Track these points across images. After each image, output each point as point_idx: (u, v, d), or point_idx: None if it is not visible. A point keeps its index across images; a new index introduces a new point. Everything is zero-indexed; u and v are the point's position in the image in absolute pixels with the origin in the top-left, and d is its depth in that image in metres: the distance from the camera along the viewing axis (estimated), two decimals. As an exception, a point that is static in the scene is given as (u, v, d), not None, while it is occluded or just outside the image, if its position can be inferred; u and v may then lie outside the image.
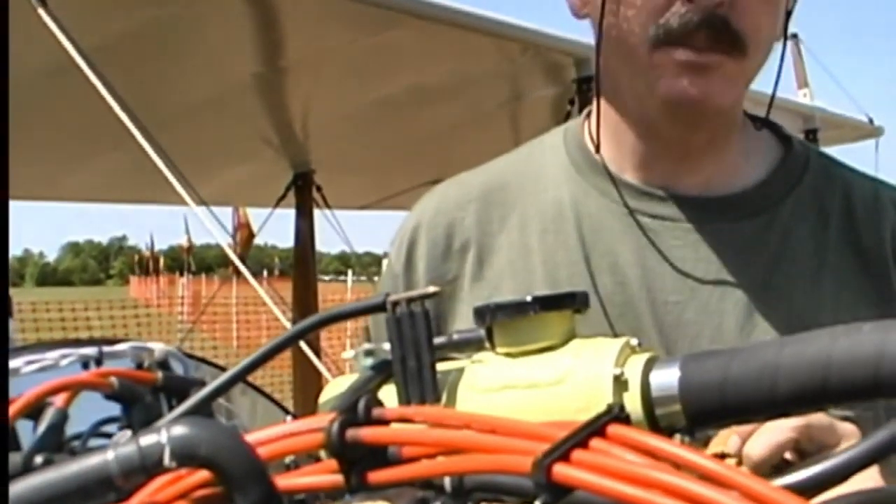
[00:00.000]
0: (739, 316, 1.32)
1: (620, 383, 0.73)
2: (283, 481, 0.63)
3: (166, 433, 0.60)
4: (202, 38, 4.91)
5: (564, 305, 0.77)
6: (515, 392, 0.76)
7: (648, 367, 0.73)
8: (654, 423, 0.72)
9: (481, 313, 0.78)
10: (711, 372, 0.71)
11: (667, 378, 0.73)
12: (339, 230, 7.96)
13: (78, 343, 0.94)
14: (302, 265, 7.78)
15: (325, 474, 0.63)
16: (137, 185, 5.88)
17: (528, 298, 0.76)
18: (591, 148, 1.43)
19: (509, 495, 0.63)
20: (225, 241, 4.92)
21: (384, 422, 0.62)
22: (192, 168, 4.47)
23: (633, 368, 0.73)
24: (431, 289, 0.77)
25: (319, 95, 5.98)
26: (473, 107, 6.61)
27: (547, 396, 0.75)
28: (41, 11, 4.00)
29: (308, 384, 6.90)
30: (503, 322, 0.77)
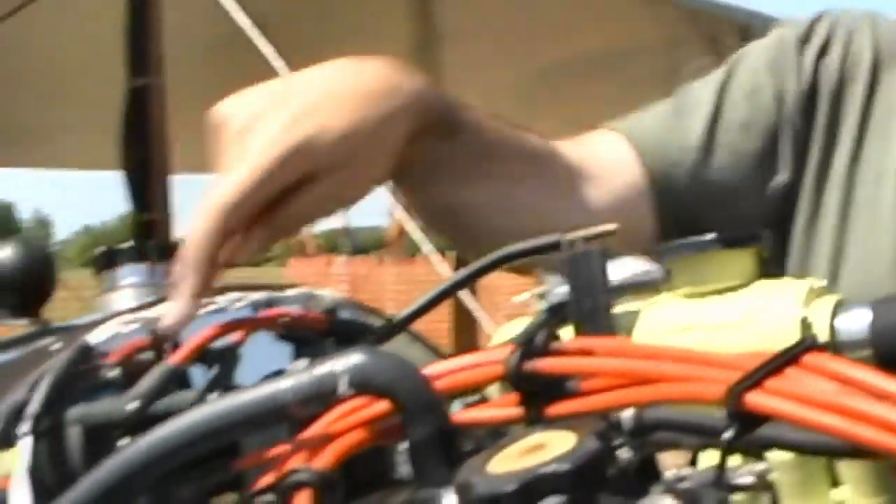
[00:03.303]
0: None
1: (806, 326, 0.70)
2: (459, 415, 0.61)
3: (342, 361, 0.59)
4: (360, 7, 4.94)
5: (746, 244, 0.74)
6: (696, 333, 0.73)
7: (836, 310, 0.70)
8: (842, 368, 0.69)
9: (658, 253, 0.76)
10: (906, 314, 0.68)
11: (857, 322, 0.69)
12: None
13: (249, 288, 0.94)
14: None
15: (501, 408, 0.61)
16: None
17: (708, 237, 0.74)
18: None
19: (691, 433, 0.61)
20: (395, 218, 4.93)
21: (565, 354, 0.60)
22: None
23: (821, 311, 0.70)
24: (610, 226, 0.75)
25: (472, 68, 5.97)
26: (629, 80, 6.52)
27: (729, 338, 0.72)
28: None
29: (466, 337, 6.87)
30: (683, 261, 0.75)
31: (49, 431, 0.75)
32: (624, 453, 0.62)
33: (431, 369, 0.61)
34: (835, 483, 0.70)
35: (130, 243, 1.01)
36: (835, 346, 0.70)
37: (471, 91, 6.65)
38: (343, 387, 0.59)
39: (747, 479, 0.69)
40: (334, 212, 0.99)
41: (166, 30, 3.92)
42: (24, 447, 0.73)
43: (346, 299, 0.97)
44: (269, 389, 0.60)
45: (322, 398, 0.60)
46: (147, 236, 3.65)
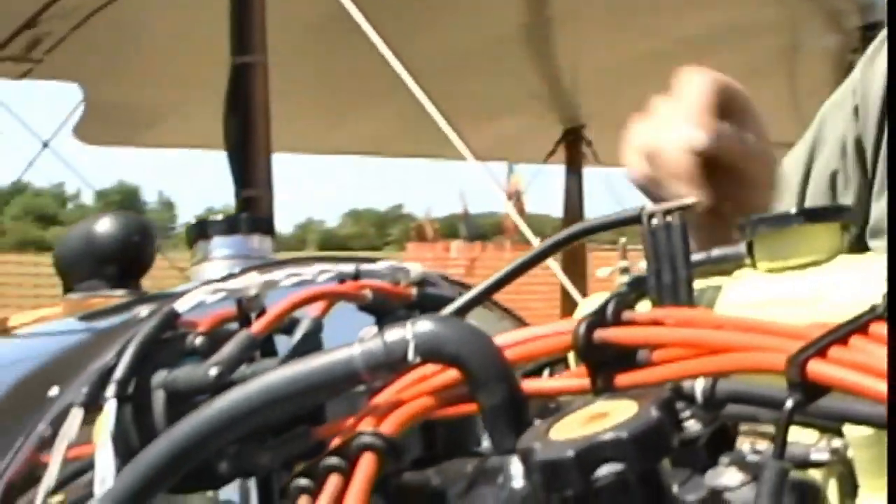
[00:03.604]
0: None
1: (889, 301, 0.68)
2: (529, 385, 0.61)
3: (411, 329, 0.60)
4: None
5: (830, 218, 0.73)
6: (776, 309, 0.72)
7: None
8: (926, 345, 0.67)
9: (741, 227, 0.75)
10: None
11: (943, 296, 0.67)
12: (607, 187, 7.86)
13: (336, 260, 0.95)
14: (570, 223, 7.72)
15: (571, 378, 0.61)
16: (409, 138, 5.96)
17: (792, 210, 0.72)
18: None
19: (763, 406, 0.60)
20: (501, 197, 4.90)
21: (634, 325, 0.59)
22: (459, 122, 4.49)
23: (905, 285, 0.69)
24: (689, 200, 0.74)
25: (589, 47, 5.91)
26: (747, 59, 6.40)
27: (809, 313, 0.70)
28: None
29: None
30: (765, 235, 0.73)
31: (134, 395, 0.77)
32: (694, 425, 0.62)
33: (502, 339, 0.61)
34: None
35: (220, 216, 1.03)
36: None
37: (582, 69, 6.60)
38: (411, 353, 0.59)
39: (823, 456, 0.67)
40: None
41: (270, 9, 3.97)
42: (109, 411, 0.75)
43: (433, 273, 0.98)
44: (340, 355, 0.61)
45: (391, 365, 0.60)
46: (249, 213, 3.69)
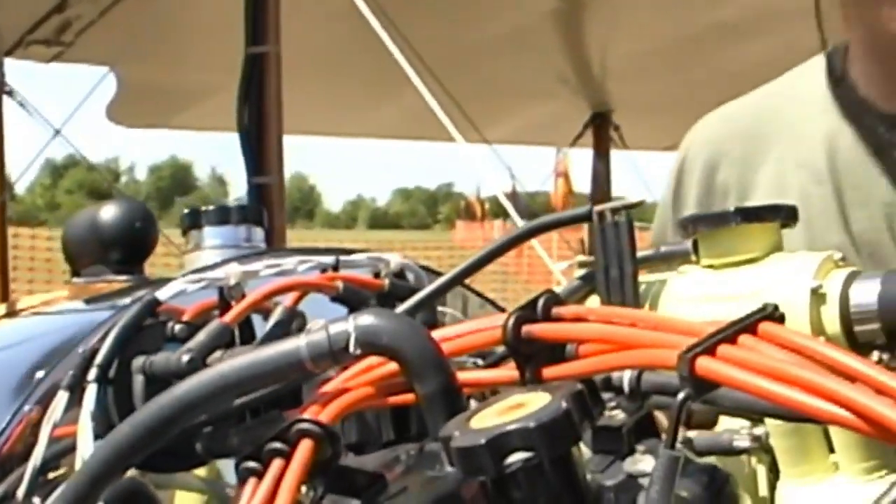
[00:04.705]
0: None
1: (818, 296, 0.72)
2: (463, 375, 0.65)
3: (353, 322, 0.64)
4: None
5: (766, 218, 0.76)
6: (716, 304, 0.76)
7: (849, 281, 0.72)
8: (852, 339, 0.71)
9: (684, 225, 0.79)
10: (914, 288, 0.70)
11: (867, 293, 0.71)
12: (635, 171, 7.86)
13: (318, 251, 0.99)
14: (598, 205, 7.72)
15: (503, 370, 0.65)
16: (423, 124, 5.99)
17: (731, 209, 0.76)
18: (850, 76, 1.37)
19: (671, 397, 0.64)
20: (506, 180, 4.91)
21: (561, 321, 0.63)
22: (484, 107, 4.51)
23: (833, 282, 0.72)
24: (635, 199, 0.78)
25: (619, 32, 5.91)
26: (786, 45, 6.37)
27: (745, 309, 0.74)
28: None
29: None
30: (706, 234, 0.77)
31: (116, 379, 0.81)
32: (619, 414, 0.66)
33: (438, 332, 0.66)
34: (832, 449, 0.72)
35: (212, 206, 1.07)
36: (847, 317, 0.71)
37: (611, 55, 6.54)
38: (352, 345, 0.64)
39: (745, 443, 0.72)
40: None
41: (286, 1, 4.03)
42: (89, 394, 0.79)
43: (412, 263, 1.02)
44: (287, 346, 0.65)
45: (335, 356, 0.64)
46: (261, 199, 3.76)
